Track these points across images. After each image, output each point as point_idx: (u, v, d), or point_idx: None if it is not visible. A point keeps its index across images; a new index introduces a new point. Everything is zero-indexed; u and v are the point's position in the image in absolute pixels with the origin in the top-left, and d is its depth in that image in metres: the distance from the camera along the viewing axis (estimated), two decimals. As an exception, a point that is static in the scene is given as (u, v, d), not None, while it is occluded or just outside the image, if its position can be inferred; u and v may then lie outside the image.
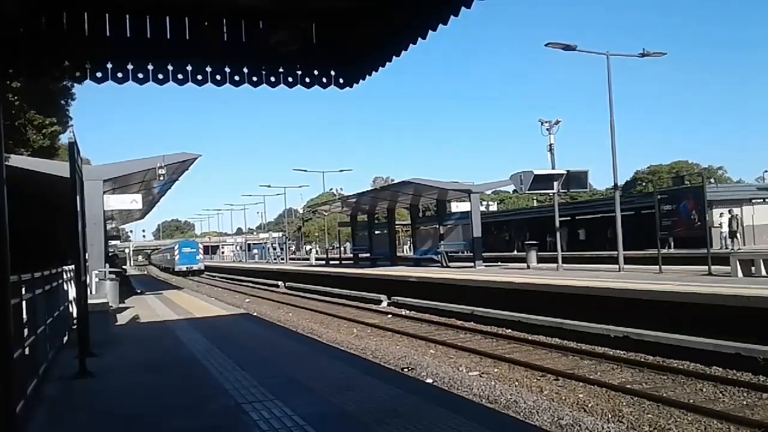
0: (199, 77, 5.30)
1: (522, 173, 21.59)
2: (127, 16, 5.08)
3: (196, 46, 5.24)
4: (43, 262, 9.29)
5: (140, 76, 5.13)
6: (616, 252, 20.24)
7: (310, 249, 74.82)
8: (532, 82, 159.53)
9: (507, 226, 51.85)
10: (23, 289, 6.14)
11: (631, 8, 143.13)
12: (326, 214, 54.70)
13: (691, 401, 8.40)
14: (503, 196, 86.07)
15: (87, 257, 9.64)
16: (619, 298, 13.37)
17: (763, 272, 14.75)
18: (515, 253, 38.87)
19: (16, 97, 19.81)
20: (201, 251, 67.96)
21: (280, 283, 37.50)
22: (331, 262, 46.45)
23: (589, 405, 8.43)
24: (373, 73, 5.79)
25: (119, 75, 5.08)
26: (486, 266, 26.66)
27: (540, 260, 26.13)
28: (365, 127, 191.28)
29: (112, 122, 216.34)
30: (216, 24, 5.34)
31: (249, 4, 5.29)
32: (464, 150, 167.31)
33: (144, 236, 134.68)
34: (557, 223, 23.24)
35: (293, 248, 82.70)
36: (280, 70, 5.61)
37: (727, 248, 26.49)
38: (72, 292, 11.71)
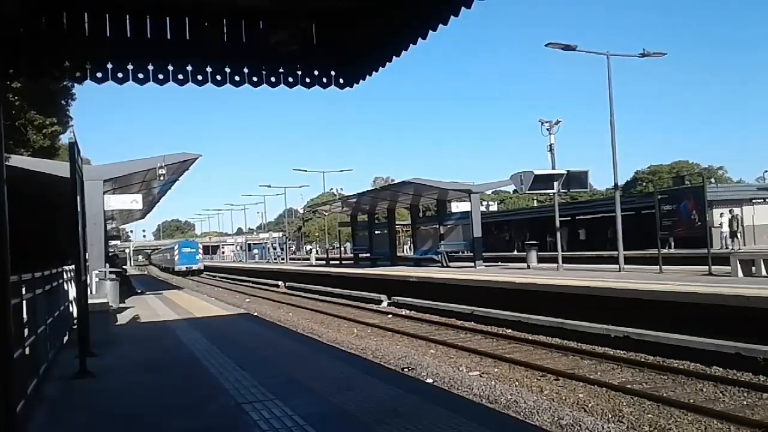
0: (200, 77, 5.30)
1: (522, 173, 21.59)
2: (128, 16, 5.07)
3: (196, 46, 5.24)
4: (44, 262, 9.29)
5: (140, 76, 5.13)
6: (617, 252, 20.24)
7: (311, 249, 74.89)
8: (532, 82, 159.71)
9: (507, 226, 51.86)
10: (23, 289, 6.14)
11: (631, 8, 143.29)
12: (326, 214, 54.73)
13: (692, 401, 8.40)
14: (503, 196, 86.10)
15: (87, 257, 9.64)
16: (619, 298, 13.37)
17: (764, 272, 14.75)
18: (515, 253, 38.86)
19: (16, 97, 19.82)
20: (200, 251, 68.11)
21: (280, 283, 37.50)
22: (332, 262, 46.45)
23: (590, 405, 8.43)
24: (374, 73, 5.79)
25: (119, 75, 5.08)
26: (486, 266, 26.66)
27: (540, 260, 26.13)
28: (365, 127, 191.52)
29: (112, 122, 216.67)
30: (216, 24, 5.33)
31: (249, 4, 5.29)
32: (464, 150, 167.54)
33: (144, 236, 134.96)
34: (557, 223, 23.23)
35: (293, 248, 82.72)
36: (281, 70, 5.61)
37: (727, 248, 26.48)
38: (72, 292, 11.72)
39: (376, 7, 5.20)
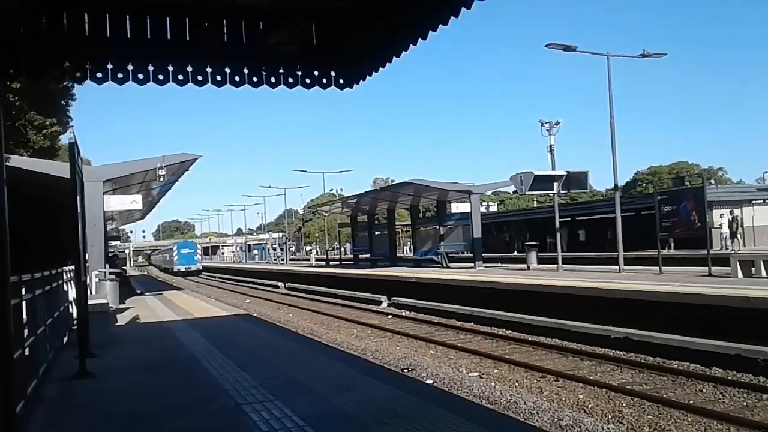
0: (200, 78, 5.30)
1: (522, 174, 21.60)
2: (128, 17, 5.07)
3: (196, 46, 5.24)
4: (44, 262, 9.28)
5: (140, 76, 5.13)
6: (616, 253, 20.23)
7: (310, 250, 74.80)
8: (532, 82, 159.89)
9: (507, 227, 51.89)
10: (23, 290, 6.14)
11: (631, 8, 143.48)
12: (326, 214, 54.69)
13: (692, 402, 8.40)
14: (503, 197, 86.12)
15: (87, 258, 9.64)
16: (619, 299, 13.36)
17: (763, 273, 14.75)
18: (515, 254, 38.85)
19: (16, 98, 19.82)
20: (199, 252, 68.22)
21: (280, 283, 37.49)
22: (332, 262, 46.45)
23: (589, 406, 8.42)
24: (374, 73, 5.79)
25: (119, 75, 5.07)
26: (486, 267, 26.66)
27: (540, 261, 26.11)
28: (365, 128, 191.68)
29: (112, 123, 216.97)
30: (216, 24, 5.33)
31: (249, 4, 5.29)
32: (464, 150, 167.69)
33: (144, 237, 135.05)
34: (557, 224, 23.23)
35: (293, 249, 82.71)
36: (281, 70, 5.61)
37: (727, 249, 26.49)
38: (72, 293, 11.71)
39: (376, 7, 5.20)
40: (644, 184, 73.98)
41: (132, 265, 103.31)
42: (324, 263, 47.57)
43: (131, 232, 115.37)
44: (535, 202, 65.93)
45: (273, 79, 5.58)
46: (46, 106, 22.87)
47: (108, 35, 5.03)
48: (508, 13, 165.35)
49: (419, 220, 35.79)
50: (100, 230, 18.87)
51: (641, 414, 7.96)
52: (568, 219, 41.46)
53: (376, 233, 36.37)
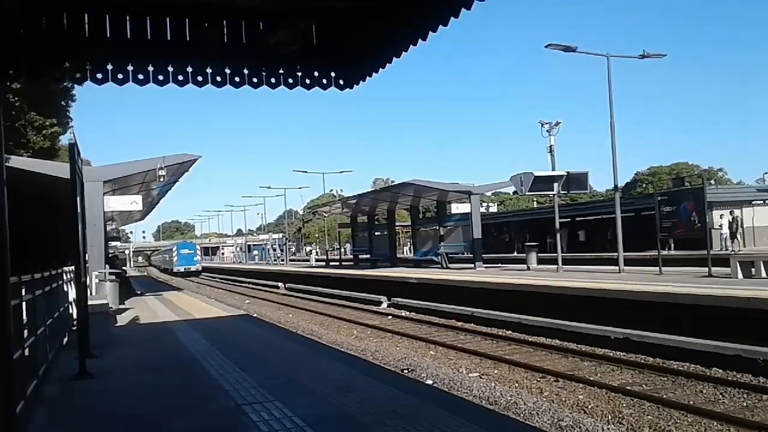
0: (200, 78, 5.30)
1: (522, 174, 21.59)
2: (128, 17, 5.07)
3: (196, 47, 5.24)
4: (43, 263, 9.28)
5: (140, 77, 5.13)
6: (616, 253, 20.23)
7: (310, 250, 74.86)
8: (532, 82, 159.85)
9: (507, 228, 51.91)
10: (23, 291, 6.14)
11: (631, 8, 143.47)
12: (326, 215, 54.72)
13: (692, 403, 8.39)
14: (503, 198, 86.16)
15: (87, 258, 9.63)
16: (619, 299, 13.36)
17: (763, 274, 14.74)
18: (515, 254, 38.87)
19: (16, 98, 19.83)
20: (199, 253, 68.25)
21: (280, 284, 37.48)
22: (331, 263, 46.43)
23: (590, 406, 8.42)
24: (373, 74, 5.79)
25: (119, 76, 5.08)
26: (486, 267, 26.67)
27: (540, 261, 26.13)
28: (365, 128, 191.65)
29: (112, 123, 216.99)
30: (216, 25, 5.34)
31: (249, 4, 5.29)
32: (464, 151, 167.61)
33: (144, 237, 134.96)
34: (557, 225, 23.22)
35: (293, 249, 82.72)
36: (281, 71, 5.61)
37: (727, 250, 26.50)
38: (72, 294, 11.71)
39: (376, 8, 5.20)
40: (644, 185, 73.99)
41: (132, 265, 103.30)
42: (324, 264, 47.56)
43: (131, 232, 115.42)
44: (535, 202, 65.98)
45: (273, 80, 5.58)
46: (46, 106, 22.89)
47: (108, 36, 5.03)
48: (508, 13, 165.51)
49: (419, 221, 35.80)
50: (100, 231, 18.87)
51: (641, 414, 7.96)
52: (568, 219, 41.47)
53: (376, 234, 36.37)
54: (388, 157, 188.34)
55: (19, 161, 16.46)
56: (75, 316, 11.15)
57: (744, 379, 9.30)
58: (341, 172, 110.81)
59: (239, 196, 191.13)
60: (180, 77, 5.24)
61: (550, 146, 23.26)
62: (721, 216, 29.00)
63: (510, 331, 14.96)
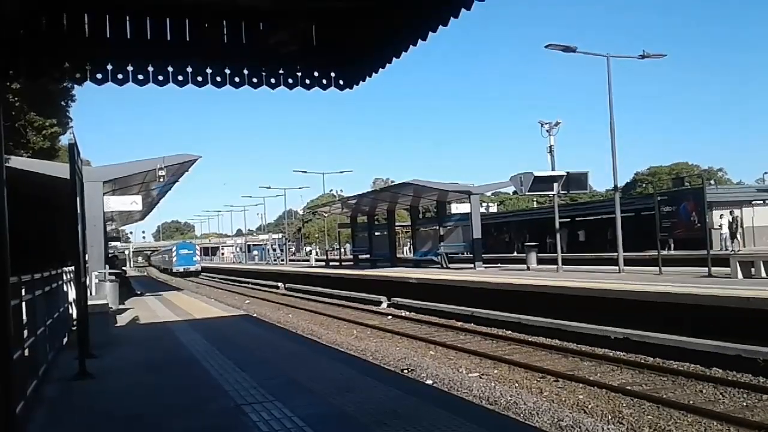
0: (199, 78, 5.30)
1: (522, 174, 21.60)
2: (128, 17, 5.07)
3: (196, 47, 5.24)
4: (43, 263, 9.29)
5: (140, 77, 5.13)
6: (616, 253, 20.24)
7: (310, 250, 74.85)
8: (532, 82, 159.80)
9: (507, 228, 51.92)
10: (23, 291, 6.14)
11: (631, 8, 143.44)
12: (326, 215, 54.73)
13: (692, 402, 8.40)
14: (503, 198, 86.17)
15: (87, 258, 9.63)
16: (619, 299, 13.36)
17: (763, 274, 14.75)
18: (515, 254, 38.87)
19: (16, 99, 19.84)
20: (198, 253, 68.32)
21: (280, 284, 37.48)
22: (331, 263, 46.44)
23: (589, 406, 8.42)
24: (373, 74, 5.79)
25: (119, 76, 5.08)
26: (486, 267, 26.66)
27: (540, 261, 26.14)
28: (365, 128, 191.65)
29: (112, 123, 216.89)
30: (216, 25, 5.34)
31: (249, 4, 5.29)
32: (464, 151, 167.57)
33: (144, 238, 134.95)
34: (557, 225, 23.23)
35: (293, 249, 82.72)
36: (280, 71, 5.61)
37: (727, 250, 26.51)
38: (72, 294, 11.71)
39: (376, 8, 5.20)
40: (644, 185, 73.99)
41: (132, 265, 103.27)
42: (324, 264, 47.56)
43: (131, 232, 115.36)
44: (535, 202, 65.99)
45: (273, 80, 5.59)
46: (45, 106, 22.90)
47: (108, 36, 5.03)
48: (508, 13, 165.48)
49: (419, 221, 35.80)
50: (99, 231, 18.87)
51: (641, 414, 7.96)
52: (568, 219, 41.48)
53: (376, 234, 36.38)
54: (388, 157, 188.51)
55: (18, 161, 16.46)
56: (75, 316, 11.15)
57: (744, 379, 9.30)
58: (341, 172, 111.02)
59: (239, 196, 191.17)
60: (180, 77, 5.24)
61: (550, 146, 23.27)
62: (721, 216, 29.00)
63: (510, 331, 14.96)
